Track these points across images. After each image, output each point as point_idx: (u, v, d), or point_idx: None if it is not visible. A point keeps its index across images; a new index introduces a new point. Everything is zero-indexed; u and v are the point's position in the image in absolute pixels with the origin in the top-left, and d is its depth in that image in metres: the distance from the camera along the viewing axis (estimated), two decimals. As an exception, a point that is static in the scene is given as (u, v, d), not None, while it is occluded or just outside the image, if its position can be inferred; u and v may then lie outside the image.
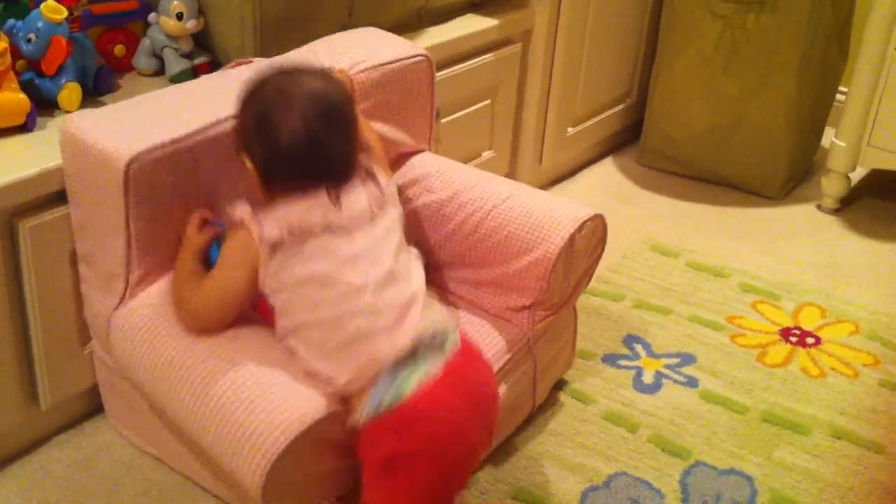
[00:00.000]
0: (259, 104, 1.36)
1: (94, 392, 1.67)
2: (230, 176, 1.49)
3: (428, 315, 1.32)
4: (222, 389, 1.29)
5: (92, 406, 1.70)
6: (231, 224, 1.36)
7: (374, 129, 1.64)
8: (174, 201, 1.44)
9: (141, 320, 1.42)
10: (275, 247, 1.31)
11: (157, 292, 1.45)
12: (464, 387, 1.30)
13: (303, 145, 1.33)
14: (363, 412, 1.26)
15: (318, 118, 1.33)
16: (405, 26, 2.10)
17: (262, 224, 1.31)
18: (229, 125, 1.44)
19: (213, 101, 1.50)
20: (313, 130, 1.33)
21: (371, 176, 1.41)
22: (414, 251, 1.44)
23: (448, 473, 1.30)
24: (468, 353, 1.36)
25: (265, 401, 1.26)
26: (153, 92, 1.57)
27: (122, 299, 1.45)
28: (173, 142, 1.40)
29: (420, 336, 1.28)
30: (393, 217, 1.40)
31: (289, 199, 1.32)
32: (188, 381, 1.32)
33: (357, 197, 1.36)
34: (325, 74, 1.41)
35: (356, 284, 1.29)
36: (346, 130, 1.38)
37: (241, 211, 1.34)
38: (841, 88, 2.84)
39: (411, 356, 1.27)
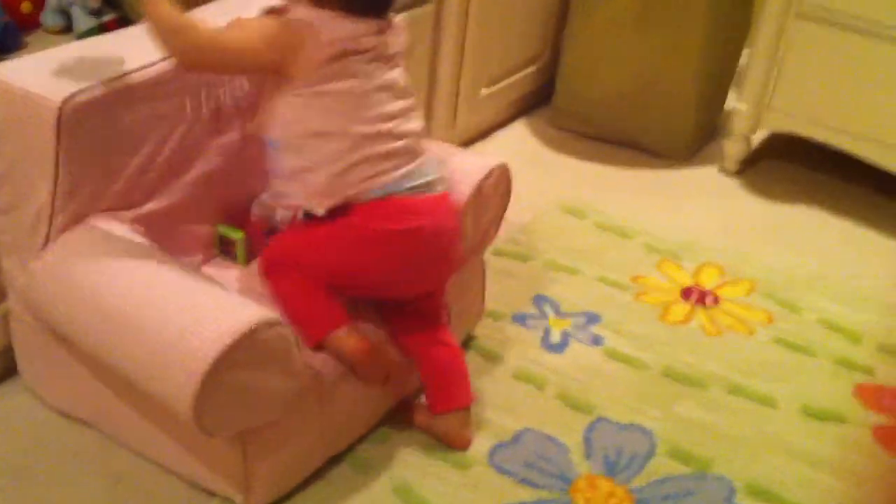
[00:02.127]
0: None
1: (2, 356, 1.65)
2: (162, 120, 1.50)
3: (432, 157, 1.54)
4: (148, 310, 1.30)
5: (1, 370, 1.69)
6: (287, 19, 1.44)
7: None
8: (103, 145, 1.44)
9: (65, 257, 1.42)
10: (332, 58, 1.41)
11: (81, 232, 1.45)
12: (441, 212, 1.52)
13: None
14: (369, 193, 1.45)
15: None
16: (318, -14, 2.09)
17: (322, 32, 1.40)
18: (159, 69, 1.46)
19: (139, 48, 1.49)
20: None
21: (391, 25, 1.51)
22: None
23: (420, 264, 1.53)
24: (448, 197, 1.56)
25: (193, 316, 1.27)
26: (77, 42, 1.55)
27: (46, 242, 1.45)
28: (104, 83, 1.41)
29: (427, 163, 1.51)
30: (402, 65, 1.52)
31: (342, 18, 1.42)
32: (113, 307, 1.32)
33: (397, 36, 1.51)
34: None
35: (385, 112, 1.46)
36: None
37: (306, 14, 1.43)
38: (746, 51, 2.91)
39: (413, 177, 1.48)
